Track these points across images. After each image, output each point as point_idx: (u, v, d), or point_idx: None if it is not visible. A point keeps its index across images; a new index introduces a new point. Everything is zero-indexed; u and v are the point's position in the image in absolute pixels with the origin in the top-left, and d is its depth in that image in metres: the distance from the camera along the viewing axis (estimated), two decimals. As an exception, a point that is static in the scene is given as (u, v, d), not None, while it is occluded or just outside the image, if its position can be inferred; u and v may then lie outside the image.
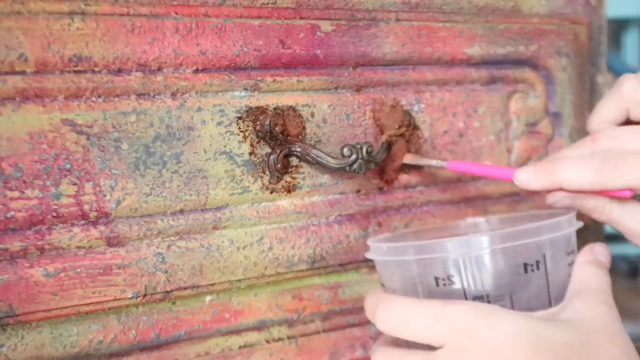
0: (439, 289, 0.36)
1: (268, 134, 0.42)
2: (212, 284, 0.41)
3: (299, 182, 0.43)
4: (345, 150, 0.41)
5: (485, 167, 0.45)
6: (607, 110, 0.42)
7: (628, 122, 0.42)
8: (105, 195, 0.37)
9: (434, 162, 0.45)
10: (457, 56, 0.49)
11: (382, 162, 0.45)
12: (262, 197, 0.42)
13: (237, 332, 0.43)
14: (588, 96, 0.56)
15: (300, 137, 0.43)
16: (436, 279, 0.36)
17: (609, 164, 0.38)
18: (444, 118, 0.49)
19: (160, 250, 0.39)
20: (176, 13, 0.38)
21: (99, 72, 0.37)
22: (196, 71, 0.39)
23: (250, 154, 0.42)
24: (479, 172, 0.44)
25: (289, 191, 0.43)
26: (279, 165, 0.42)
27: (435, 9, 0.49)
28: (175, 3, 0.39)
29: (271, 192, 0.42)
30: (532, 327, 0.33)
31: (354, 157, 0.41)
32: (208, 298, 0.41)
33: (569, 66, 0.54)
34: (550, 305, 0.37)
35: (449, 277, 0.36)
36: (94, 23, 0.36)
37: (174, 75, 0.39)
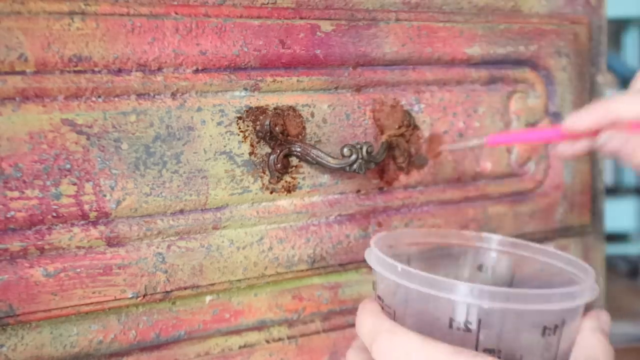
0: (451, 330, 0.34)
1: (268, 134, 0.42)
2: (212, 284, 0.41)
3: (299, 182, 0.44)
4: (345, 150, 0.41)
5: (528, 132, 0.42)
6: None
7: None
8: (105, 195, 0.37)
9: (472, 142, 0.44)
10: (457, 56, 0.49)
11: (382, 162, 0.45)
12: (262, 197, 0.42)
13: (237, 332, 0.43)
14: (588, 96, 0.56)
15: (300, 137, 0.43)
16: (451, 320, 0.35)
17: None
18: (444, 118, 0.49)
19: (160, 250, 0.39)
20: (176, 13, 0.38)
21: (99, 72, 0.37)
22: (196, 71, 0.39)
23: (250, 154, 0.42)
24: (522, 140, 0.42)
25: (289, 191, 0.43)
26: (279, 165, 0.42)
27: (435, 9, 0.49)
28: (175, 3, 0.39)
29: (271, 192, 0.42)
30: None
31: (354, 157, 0.41)
32: (208, 298, 0.41)
33: (569, 66, 0.54)
34: None
35: (464, 323, 0.34)
36: (94, 23, 0.36)
37: (174, 75, 0.39)
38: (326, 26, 0.43)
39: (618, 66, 2.07)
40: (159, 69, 0.38)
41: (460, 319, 0.34)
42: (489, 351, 0.34)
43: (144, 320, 0.39)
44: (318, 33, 0.43)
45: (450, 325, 0.34)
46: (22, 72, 0.35)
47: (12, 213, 0.35)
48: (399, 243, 0.42)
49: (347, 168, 0.42)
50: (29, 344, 0.36)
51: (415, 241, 0.43)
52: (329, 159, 0.42)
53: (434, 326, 0.35)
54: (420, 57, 0.47)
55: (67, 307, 0.36)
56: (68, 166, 0.36)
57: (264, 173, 0.42)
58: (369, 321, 0.34)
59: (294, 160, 0.43)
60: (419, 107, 0.48)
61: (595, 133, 0.39)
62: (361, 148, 0.42)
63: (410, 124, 0.47)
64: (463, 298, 0.34)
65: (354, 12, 0.44)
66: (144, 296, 0.39)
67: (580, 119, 0.39)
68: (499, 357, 0.34)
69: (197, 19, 0.39)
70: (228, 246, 0.41)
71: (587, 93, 0.56)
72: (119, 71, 0.37)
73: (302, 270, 0.44)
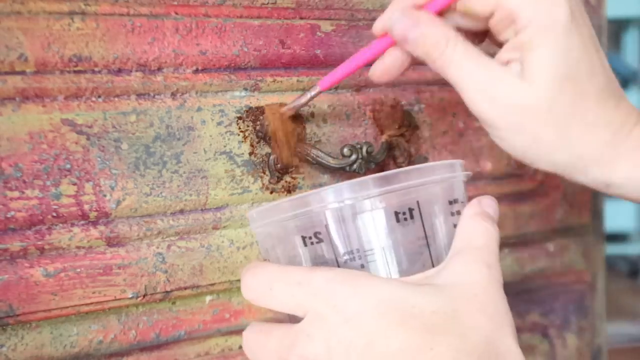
0: (306, 248, 0.33)
1: (268, 134, 0.42)
2: (212, 284, 0.41)
3: (299, 182, 0.44)
4: (345, 150, 0.41)
5: (351, 60, 0.38)
6: None
7: None
8: (105, 195, 0.37)
9: (308, 95, 0.40)
10: (457, 56, 0.49)
11: (382, 162, 0.45)
12: (262, 197, 0.42)
13: (237, 332, 0.43)
14: (588, 96, 0.56)
15: (300, 137, 0.43)
16: (303, 238, 0.33)
17: None
18: (444, 118, 0.49)
19: (160, 250, 0.39)
20: (176, 13, 0.38)
21: (99, 72, 0.37)
22: (196, 71, 0.39)
23: (250, 154, 0.42)
24: (348, 71, 0.38)
25: (289, 191, 0.43)
26: (279, 165, 0.42)
27: (435, 9, 0.49)
28: (175, 3, 0.39)
29: (271, 192, 0.43)
30: (400, 294, 0.30)
31: (354, 157, 0.41)
32: (208, 298, 0.41)
33: (569, 66, 0.54)
34: (432, 264, 0.34)
35: (315, 235, 0.33)
36: (94, 23, 0.36)
37: (174, 75, 0.39)
38: (326, 26, 0.43)
39: (618, 66, 2.08)
40: (159, 69, 0.38)
41: (308, 233, 0.33)
42: (348, 253, 0.33)
43: (144, 320, 0.39)
44: (318, 33, 0.43)
45: (305, 244, 0.33)
46: (22, 72, 0.35)
47: (12, 213, 0.35)
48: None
49: (347, 168, 0.42)
50: (29, 344, 0.36)
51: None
52: (329, 159, 0.42)
53: (295, 254, 0.34)
54: (420, 57, 0.47)
55: (67, 307, 0.36)
56: (68, 166, 0.36)
57: (264, 173, 0.42)
58: (244, 269, 0.34)
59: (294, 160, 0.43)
60: (419, 107, 0.48)
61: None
62: (361, 148, 0.42)
63: (410, 124, 0.47)
64: (298, 210, 0.33)
65: (354, 12, 0.44)
66: (144, 296, 0.39)
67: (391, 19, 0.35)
68: (359, 257, 0.33)
69: (197, 19, 0.39)
70: (228, 246, 0.41)
71: (587, 93, 0.56)
72: (119, 71, 0.37)
73: (302, 270, 0.44)
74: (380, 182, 0.33)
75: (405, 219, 0.33)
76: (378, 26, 0.37)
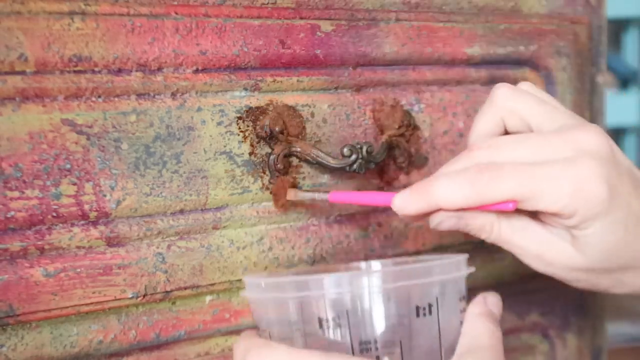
0: (322, 331, 0.33)
1: (268, 134, 0.42)
2: (212, 284, 0.41)
3: (299, 182, 0.44)
4: (345, 150, 0.41)
5: (366, 195, 0.41)
6: (483, 122, 0.40)
7: (506, 133, 0.40)
8: (105, 195, 0.37)
9: (316, 196, 0.41)
10: (457, 56, 0.49)
11: (382, 162, 0.45)
12: (262, 197, 0.42)
13: (237, 332, 0.43)
14: (588, 96, 0.56)
15: (300, 137, 0.43)
16: (320, 320, 0.33)
17: (484, 175, 0.35)
18: (444, 118, 0.49)
19: (160, 250, 0.39)
20: (176, 13, 0.38)
21: (99, 72, 0.37)
22: (196, 71, 0.39)
23: (250, 154, 0.42)
24: (359, 202, 0.40)
25: (289, 191, 0.43)
26: (279, 165, 0.42)
27: (435, 9, 0.49)
28: (175, 3, 0.39)
29: (271, 192, 0.42)
30: None
31: (354, 157, 0.41)
32: (208, 298, 0.41)
33: (569, 66, 0.54)
34: (441, 358, 0.34)
35: (333, 319, 0.32)
36: (94, 23, 0.36)
37: (174, 75, 0.39)
38: (326, 26, 0.43)
39: (618, 66, 2.08)
40: (159, 69, 0.38)
41: (326, 315, 0.33)
42: (364, 344, 0.33)
43: (144, 320, 0.39)
44: (318, 33, 0.43)
45: (321, 326, 0.33)
46: (22, 72, 0.35)
47: (12, 213, 0.35)
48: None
49: (347, 168, 0.42)
50: (29, 344, 0.36)
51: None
52: (329, 159, 0.42)
53: (308, 335, 0.33)
54: (420, 57, 0.47)
55: (67, 307, 0.36)
56: (68, 166, 0.36)
57: (264, 173, 0.42)
58: (242, 345, 0.34)
59: (294, 160, 0.43)
60: (419, 107, 0.48)
61: (426, 214, 0.37)
62: (361, 148, 0.42)
63: (410, 124, 0.47)
64: (320, 292, 0.33)
65: (354, 12, 0.44)
66: (144, 296, 0.39)
67: (405, 204, 0.36)
68: (376, 348, 0.33)
69: (197, 19, 0.39)
70: (228, 246, 0.41)
71: (587, 93, 0.56)
72: (119, 71, 0.37)
73: (302, 270, 0.44)
74: (405, 275, 0.33)
75: (424, 315, 0.34)
76: (407, 210, 0.37)
